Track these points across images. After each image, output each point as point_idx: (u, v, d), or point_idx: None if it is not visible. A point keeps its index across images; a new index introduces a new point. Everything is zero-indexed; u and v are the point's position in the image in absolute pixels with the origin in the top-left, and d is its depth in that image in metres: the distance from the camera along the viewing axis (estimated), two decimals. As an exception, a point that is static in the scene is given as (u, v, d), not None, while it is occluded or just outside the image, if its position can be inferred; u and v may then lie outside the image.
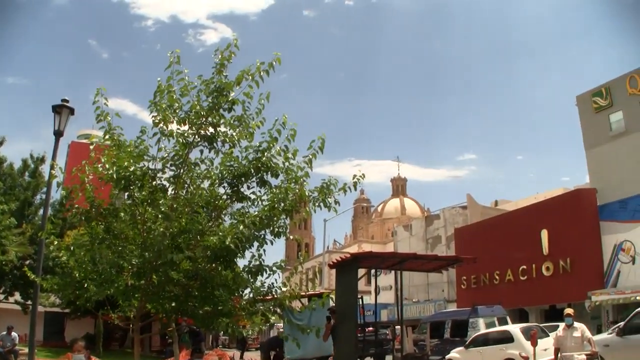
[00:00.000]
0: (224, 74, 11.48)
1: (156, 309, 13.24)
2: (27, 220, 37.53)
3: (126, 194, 12.18)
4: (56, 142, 17.07)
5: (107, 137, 12.13)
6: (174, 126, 11.72)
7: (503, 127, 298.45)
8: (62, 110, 16.99)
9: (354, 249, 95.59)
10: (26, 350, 23.07)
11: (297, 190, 12.05)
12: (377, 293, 14.71)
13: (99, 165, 11.58)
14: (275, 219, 11.91)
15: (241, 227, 11.33)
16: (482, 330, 28.36)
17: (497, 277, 47.85)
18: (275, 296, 13.08)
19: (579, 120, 47.88)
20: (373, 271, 14.58)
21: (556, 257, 42.81)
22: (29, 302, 37.02)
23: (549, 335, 23.57)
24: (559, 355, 15.01)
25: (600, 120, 45.14)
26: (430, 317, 39.67)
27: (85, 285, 12.78)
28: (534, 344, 20.91)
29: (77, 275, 12.58)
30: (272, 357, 22.61)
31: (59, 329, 47.89)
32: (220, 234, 11.30)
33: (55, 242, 12.92)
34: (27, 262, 30.19)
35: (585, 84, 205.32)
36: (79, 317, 42.54)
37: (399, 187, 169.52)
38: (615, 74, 45.73)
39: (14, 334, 27.20)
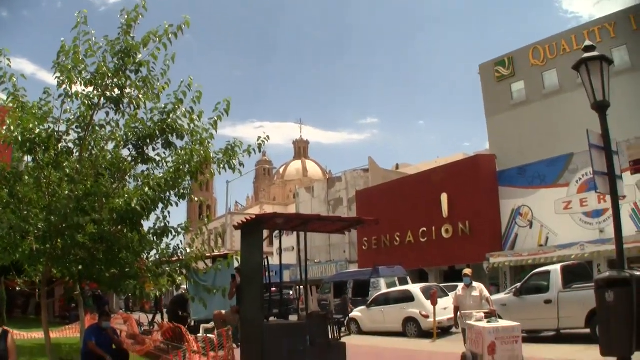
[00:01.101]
0: (131, 35, 11.42)
1: (62, 273, 13.04)
2: None
3: (30, 157, 12.01)
4: (-46, 105, 16.59)
5: (10, 99, 11.93)
6: (79, 87, 11.58)
7: (405, 93, 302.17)
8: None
9: (256, 211, 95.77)
10: None
11: (202, 152, 12.12)
12: (281, 253, 14.85)
13: (3, 128, 11.39)
14: (180, 180, 11.99)
15: (146, 189, 11.37)
16: (384, 290, 29.16)
17: (397, 239, 48.74)
18: (181, 258, 13.16)
19: (480, 89, 48.94)
20: (277, 232, 14.71)
21: (456, 220, 44.02)
22: None
23: (448, 295, 24.26)
24: (459, 313, 15.44)
25: (502, 89, 46.43)
26: (332, 277, 40.24)
27: (-11, 250, 12.62)
28: (434, 303, 21.54)
29: (-21, 241, 12.36)
30: (179, 317, 22.60)
31: (-43, 297, 46.59)
32: (126, 196, 11.29)
33: (-44, 206, 12.69)
34: None
35: (489, 54, 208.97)
36: (-21, 284, 41.46)
37: (301, 149, 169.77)
38: (519, 45, 46.97)
39: None
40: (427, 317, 23.01)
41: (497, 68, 46.85)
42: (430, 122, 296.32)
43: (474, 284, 15.63)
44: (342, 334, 12.94)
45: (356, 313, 27.01)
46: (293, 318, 15.50)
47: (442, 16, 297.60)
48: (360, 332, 26.38)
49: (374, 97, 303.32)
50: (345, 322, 25.74)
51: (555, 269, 19.30)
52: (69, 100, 11.63)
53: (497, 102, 46.48)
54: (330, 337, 12.39)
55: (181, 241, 13.45)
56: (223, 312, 17.75)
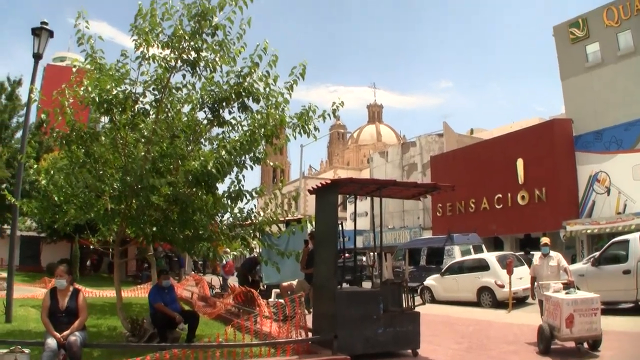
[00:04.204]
0: (207, -2, 11.38)
1: (136, 233, 13.27)
2: (3, 143, 37.11)
3: (107, 117, 12.11)
4: (35, 65, 16.79)
5: (88, 60, 12.02)
6: (155, 50, 11.63)
7: (479, 55, 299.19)
8: (41, 32, 16.70)
9: (329, 175, 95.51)
10: (4, 274, 23.08)
11: (278, 117, 12.03)
12: (355, 219, 14.73)
13: (81, 89, 11.47)
14: (255, 144, 11.94)
15: (223, 152, 11.37)
16: (458, 258, 28.69)
17: (472, 206, 48.16)
18: (254, 221, 13.15)
19: (555, 51, 47.74)
20: (351, 198, 14.56)
21: (531, 186, 43.05)
22: (6, 226, 36.98)
23: (524, 264, 23.81)
24: (535, 283, 15.09)
25: (577, 51, 45.06)
26: (406, 244, 39.92)
27: (65, 208, 12.81)
28: (510, 273, 21.11)
29: (56, 199, 12.57)
30: (250, 281, 22.67)
31: (34, 253, 47.88)
32: (202, 159, 11.31)
33: (35, 166, 12.90)
34: (4, 185, 29.89)
35: (563, 15, 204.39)
36: (54, 241, 42.36)
37: (375, 113, 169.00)
38: (593, 5, 45.48)
39: (-10, 257, 27.15)
40: (502, 286, 22.50)
41: (571, 29, 45.45)
42: (504, 85, 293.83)
43: (552, 253, 15.24)
44: (416, 303, 12.69)
45: (430, 281, 26.75)
46: (366, 285, 15.33)
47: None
48: (434, 300, 25.96)
49: (447, 61, 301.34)
50: (419, 290, 25.55)
51: (634, 237, 18.69)
52: (145, 62, 11.76)
53: (572, 64, 45.19)
54: (404, 305, 12.24)
55: (255, 205, 13.44)
56: (294, 283, 17.68)
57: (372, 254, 16.98)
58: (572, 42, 45.35)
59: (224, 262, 28.07)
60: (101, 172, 12.12)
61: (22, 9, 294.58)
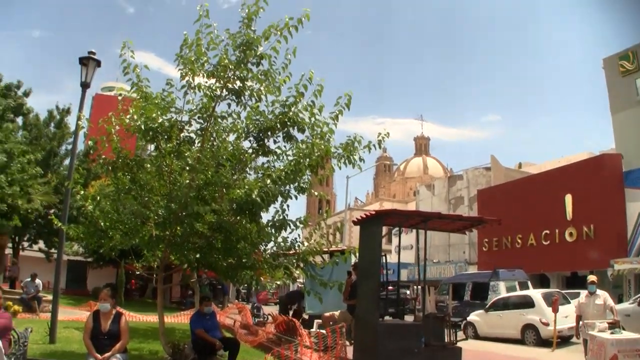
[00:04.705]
0: (252, 28, 11.49)
1: (180, 260, 13.41)
2: (52, 170, 37.86)
3: (152, 145, 12.27)
4: (83, 94, 17.13)
5: (134, 89, 12.21)
6: (201, 79, 11.77)
7: (528, 89, 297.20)
8: (88, 62, 17.06)
9: (375, 207, 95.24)
10: (49, 297, 23.41)
11: (323, 147, 12.03)
12: (399, 251, 14.65)
13: (127, 117, 11.64)
14: (300, 174, 11.96)
15: (268, 181, 11.39)
16: (503, 294, 28.32)
17: (519, 241, 47.29)
18: (298, 251, 13.15)
19: (605, 84, 47.22)
20: (395, 230, 14.50)
21: (579, 222, 42.09)
22: (53, 250, 37.70)
23: (570, 302, 23.41)
24: (581, 322, 14.87)
25: (627, 84, 44.36)
26: (451, 278, 39.64)
27: (110, 234, 12.96)
28: (555, 310, 20.78)
29: (102, 224, 12.75)
30: (291, 312, 22.68)
31: (80, 277, 48.81)
32: (247, 187, 11.32)
33: (82, 192, 13.08)
34: (52, 211, 30.41)
35: (613, 47, 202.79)
36: (100, 266, 43.33)
37: (422, 146, 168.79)
38: (640, 38, 44.81)
39: (37, 280, 27.50)
40: (547, 324, 22.11)
41: (621, 62, 44.68)
42: (553, 120, 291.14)
43: (598, 291, 15.01)
44: (458, 338, 12.54)
45: (474, 317, 26.43)
46: (409, 318, 15.21)
47: (564, 9, 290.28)
48: (477, 336, 25.66)
49: (495, 94, 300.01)
50: (462, 325, 25.28)
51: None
52: (191, 91, 11.97)
53: (622, 97, 44.39)
54: (446, 340, 12.10)
55: (299, 235, 13.48)
56: (336, 313, 17.62)
57: (415, 287, 16.87)
58: (622, 75, 44.69)
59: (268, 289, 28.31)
60: (146, 198, 12.27)
61: (73, 42, 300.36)
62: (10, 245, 38.17)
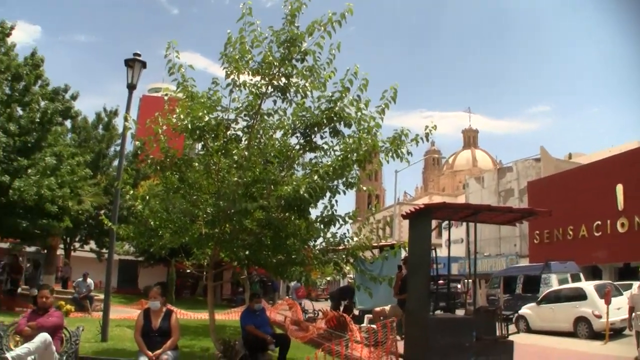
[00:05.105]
0: (295, 24, 11.47)
1: (229, 257, 13.48)
2: (101, 171, 38.50)
3: (200, 144, 12.35)
4: (129, 95, 17.40)
5: (179, 89, 12.29)
6: (246, 77, 11.81)
7: (577, 79, 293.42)
8: (134, 64, 17.32)
9: (424, 201, 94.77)
10: (101, 296, 23.74)
11: (370, 141, 11.96)
12: (449, 245, 14.57)
13: (173, 117, 11.74)
14: (347, 169, 11.90)
15: (315, 177, 11.33)
16: (555, 286, 28.01)
17: (570, 233, 46.57)
18: (347, 246, 13.12)
19: (658, 72, 46.48)
20: (445, 223, 14.43)
21: (631, 213, 41.18)
22: (104, 250, 38.41)
23: (622, 294, 23.07)
24: (633, 314, 14.66)
25: (682, 73, 43.74)
26: (502, 271, 39.15)
27: (160, 233, 13.08)
28: (608, 302, 20.47)
29: (152, 223, 12.92)
30: (342, 307, 22.70)
31: (132, 276, 49.73)
32: (294, 183, 11.30)
33: (131, 192, 13.22)
34: (102, 211, 30.77)
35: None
36: (151, 265, 44.19)
37: (470, 138, 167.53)
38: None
39: (89, 280, 27.96)
40: (599, 317, 21.77)
41: (675, 49, 44.20)
42: (603, 110, 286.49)
43: (651, 283, 14.78)
44: (510, 332, 12.41)
45: (525, 310, 26.17)
46: (460, 312, 15.12)
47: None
48: (529, 330, 25.37)
49: (544, 85, 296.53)
50: (514, 319, 25.05)
51: None
52: (236, 89, 12.00)
53: (674, 86, 43.88)
54: (497, 334, 11.99)
55: (348, 230, 13.42)
56: (386, 308, 17.57)
57: (466, 281, 16.75)
58: (676, 62, 44.10)
59: (298, 286, 28.37)
60: (195, 197, 12.37)
61: (118, 45, 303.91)
62: (62, 246, 38.76)
